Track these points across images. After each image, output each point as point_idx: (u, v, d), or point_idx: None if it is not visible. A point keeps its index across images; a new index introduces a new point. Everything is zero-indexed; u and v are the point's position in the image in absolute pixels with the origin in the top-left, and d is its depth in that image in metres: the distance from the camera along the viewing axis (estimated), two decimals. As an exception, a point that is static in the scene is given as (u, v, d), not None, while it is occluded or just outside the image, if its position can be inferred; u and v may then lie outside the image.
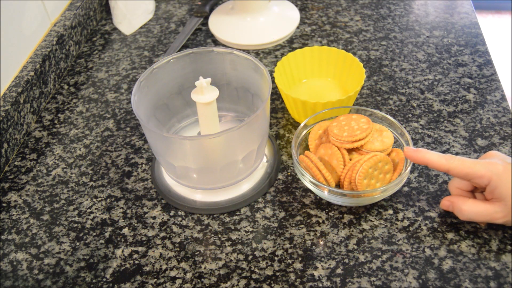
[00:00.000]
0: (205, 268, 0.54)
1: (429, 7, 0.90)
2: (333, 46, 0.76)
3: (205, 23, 0.91)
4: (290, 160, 0.65)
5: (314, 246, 0.55)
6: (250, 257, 0.54)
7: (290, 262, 0.53)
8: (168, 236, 0.57)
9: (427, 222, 0.56)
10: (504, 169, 0.49)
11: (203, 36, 0.88)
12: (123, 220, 0.59)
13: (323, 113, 0.62)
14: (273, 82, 0.71)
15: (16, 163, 0.67)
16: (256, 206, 0.59)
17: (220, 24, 0.87)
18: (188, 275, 0.53)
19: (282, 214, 0.58)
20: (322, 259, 0.53)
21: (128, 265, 0.54)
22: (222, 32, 0.85)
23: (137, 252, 0.56)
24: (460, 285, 0.50)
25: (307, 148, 0.61)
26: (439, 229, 0.55)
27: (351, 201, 0.55)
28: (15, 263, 0.56)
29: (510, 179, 0.49)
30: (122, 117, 0.73)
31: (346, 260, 0.53)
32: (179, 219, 0.59)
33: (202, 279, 0.53)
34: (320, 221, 0.57)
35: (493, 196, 0.50)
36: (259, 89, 0.61)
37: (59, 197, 0.62)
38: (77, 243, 0.57)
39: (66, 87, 0.80)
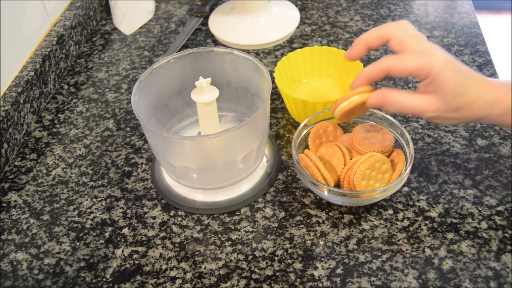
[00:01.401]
0: (205, 268, 0.54)
1: (429, 7, 0.90)
2: (333, 46, 0.76)
3: (205, 23, 0.91)
4: (290, 160, 0.65)
5: (314, 246, 0.55)
6: (250, 257, 0.54)
7: (290, 262, 0.53)
8: (168, 236, 0.57)
9: (427, 222, 0.56)
10: (444, 61, 0.46)
11: (203, 36, 0.88)
12: (123, 220, 0.59)
13: (323, 113, 0.62)
14: (273, 82, 0.71)
15: (16, 163, 0.67)
16: (256, 206, 0.59)
17: (220, 24, 0.87)
18: (188, 275, 0.53)
19: (282, 214, 0.58)
20: (322, 259, 0.53)
21: (128, 265, 0.54)
22: (222, 32, 0.85)
23: (137, 252, 0.56)
24: (460, 285, 0.50)
25: (307, 148, 0.62)
26: (439, 229, 0.55)
27: (351, 201, 0.55)
28: (15, 263, 0.56)
29: (450, 71, 0.46)
30: (122, 117, 0.73)
31: (346, 260, 0.53)
32: (179, 219, 0.59)
33: (202, 279, 0.53)
34: (320, 221, 0.57)
35: (428, 89, 0.47)
36: (259, 89, 0.61)
37: (59, 197, 0.62)
38: (77, 243, 0.57)
39: (66, 87, 0.80)
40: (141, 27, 0.91)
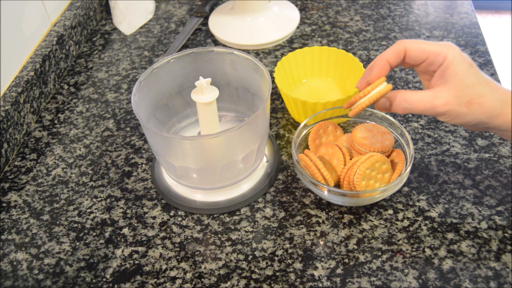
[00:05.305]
0: (205, 268, 0.54)
1: (429, 7, 0.90)
2: (333, 46, 0.76)
3: (205, 23, 0.91)
4: (290, 160, 0.65)
5: (314, 246, 0.55)
6: (250, 257, 0.54)
7: (290, 262, 0.53)
8: (168, 236, 0.57)
9: (427, 222, 0.56)
10: (460, 53, 0.47)
11: (203, 36, 0.88)
12: (123, 220, 0.59)
13: (323, 113, 0.62)
14: (273, 82, 0.71)
15: (16, 163, 0.67)
16: (256, 206, 0.59)
17: (220, 24, 0.87)
18: (188, 275, 0.53)
19: (282, 214, 0.58)
20: (322, 259, 0.53)
21: (128, 265, 0.54)
22: (222, 32, 0.85)
23: (137, 252, 0.56)
24: (460, 285, 0.50)
25: (307, 148, 0.62)
26: (439, 229, 0.55)
27: (351, 201, 0.55)
28: (15, 263, 0.56)
29: (464, 62, 0.47)
30: (122, 117, 0.73)
31: (346, 260, 0.53)
32: (179, 219, 0.59)
33: (202, 279, 0.53)
34: (320, 221, 0.57)
35: (440, 80, 0.47)
36: (259, 89, 0.61)
37: (59, 197, 0.62)
38: (77, 243, 0.57)
39: (66, 87, 0.80)
40: (141, 27, 0.91)
